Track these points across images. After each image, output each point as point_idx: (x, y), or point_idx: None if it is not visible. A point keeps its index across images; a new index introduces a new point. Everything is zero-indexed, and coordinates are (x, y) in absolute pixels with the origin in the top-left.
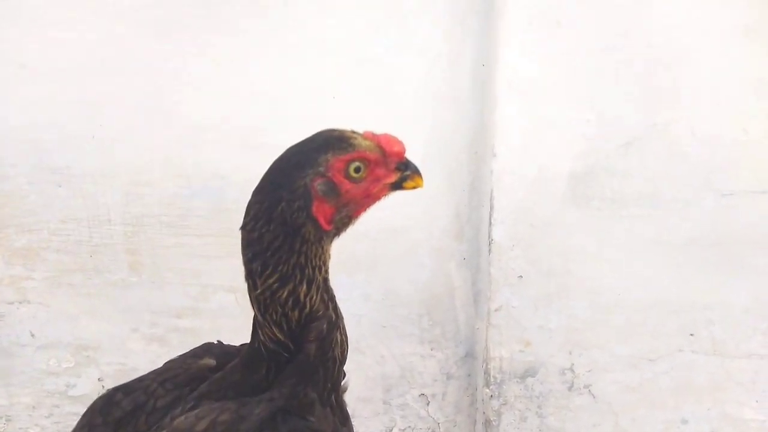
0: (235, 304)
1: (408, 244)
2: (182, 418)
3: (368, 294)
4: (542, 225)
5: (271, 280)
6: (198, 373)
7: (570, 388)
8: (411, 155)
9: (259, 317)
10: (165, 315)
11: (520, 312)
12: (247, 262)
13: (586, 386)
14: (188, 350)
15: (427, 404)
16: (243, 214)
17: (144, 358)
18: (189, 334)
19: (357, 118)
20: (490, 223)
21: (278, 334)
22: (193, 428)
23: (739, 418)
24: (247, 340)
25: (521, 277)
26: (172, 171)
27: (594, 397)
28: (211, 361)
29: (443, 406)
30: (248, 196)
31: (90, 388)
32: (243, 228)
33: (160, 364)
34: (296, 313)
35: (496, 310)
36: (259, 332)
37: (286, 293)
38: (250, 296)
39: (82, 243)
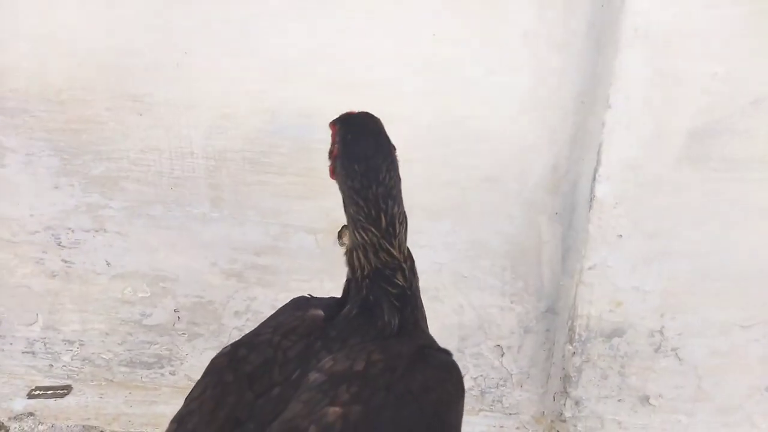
0: (315, 245)
1: (499, 195)
2: (332, 362)
3: (452, 243)
4: (651, 184)
5: (404, 225)
6: (313, 324)
7: (657, 350)
8: (510, 101)
9: (398, 262)
10: (244, 252)
11: (615, 272)
12: (389, 210)
13: (673, 349)
14: (281, 307)
15: (502, 355)
16: (326, 154)
17: (221, 293)
18: (267, 272)
19: (457, 60)
20: (594, 179)
21: (401, 279)
22: (352, 368)
23: None
24: (328, 281)
25: (621, 236)
26: (257, 106)
27: (680, 360)
28: (319, 312)
29: (518, 358)
30: None
31: (165, 319)
32: (381, 182)
33: (237, 298)
34: (408, 254)
35: (589, 269)
36: (377, 283)
37: (405, 234)
38: (379, 244)
39: (163, 174)
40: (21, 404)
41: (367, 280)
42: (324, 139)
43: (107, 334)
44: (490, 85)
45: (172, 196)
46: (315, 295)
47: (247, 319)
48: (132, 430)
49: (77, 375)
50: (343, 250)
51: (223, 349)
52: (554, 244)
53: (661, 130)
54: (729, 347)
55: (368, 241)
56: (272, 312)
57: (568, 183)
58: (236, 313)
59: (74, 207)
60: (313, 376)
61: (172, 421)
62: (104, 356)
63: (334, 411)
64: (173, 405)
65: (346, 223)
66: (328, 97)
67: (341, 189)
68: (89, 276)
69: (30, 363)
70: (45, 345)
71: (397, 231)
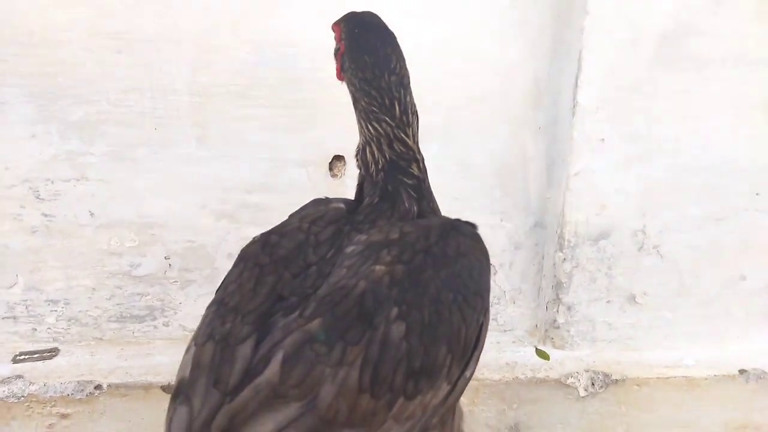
0: (307, 179)
1: (484, 114)
2: (367, 236)
3: (441, 166)
4: (629, 87)
5: (416, 116)
6: (338, 214)
7: (640, 249)
8: (491, 19)
9: (412, 153)
10: (234, 190)
11: (599, 176)
12: (402, 99)
13: (655, 247)
14: (302, 206)
15: (494, 274)
16: (315, 83)
17: (213, 236)
18: (259, 210)
19: None
20: (576, 85)
21: (416, 170)
22: (388, 237)
23: None
24: None
25: (603, 140)
26: (242, 37)
27: (662, 257)
28: (341, 205)
29: (510, 275)
30: (321, 65)
31: (155, 268)
32: (393, 71)
33: (230, 240)
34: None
35: (575, 175)
36: (393, 175)
37: (417, 126)
38: (393, 134)
39: (145, 115)
40: (7, 369)
41: (383, 174)
42: (312, 68)
43: (94, 289)
44: (471, 3)
45: (155, 138)
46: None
47: None
48: (130, 380)
49: (63, 337)
50: (335, 181)
51: (253, 238)
52: (539, 158)
53: (635, 34)
54: (705, 241)
55: (382, 133)
56: None
57: (550, 95)
58: (229, 255)
59: (52, 156)
60: (351, 248)
61: (210, 305)
62: (92, 314)
63: (379, 269)
64: (170, 356)
65: (337, 154)
66: (314, 27)
67: (351, 85)
68: (72, 229)
69: (11, 329)
70: (27, 308)
71: (410, 120)
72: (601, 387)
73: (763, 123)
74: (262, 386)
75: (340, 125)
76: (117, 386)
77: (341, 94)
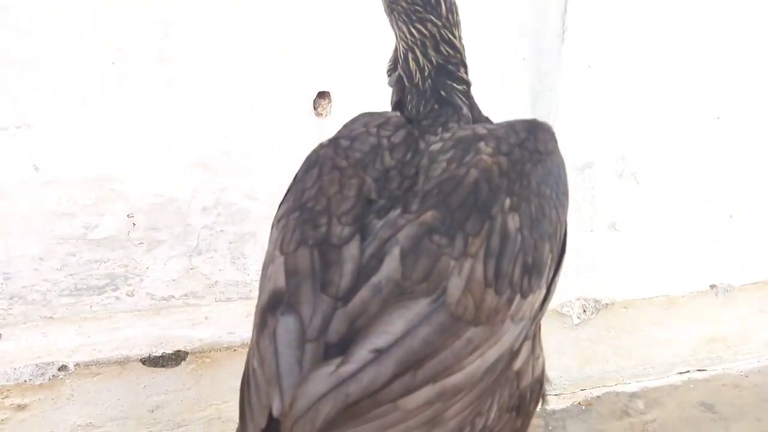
0: (287, 120)
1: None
2: (451, 133)
3: None
4: (617, 13)
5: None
6: (399, 121)
7: (620, 177)
8: None
9: (460, 55)
10: (208, 136)
11: (587, 104)
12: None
13: (632, 174)
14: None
15: None
16: None
17: (185, 188)
18: (237, 157)
19: None
20: (566, 11)
21: (465, 74)
22: (476, 132)
23: None
24: None
25: (590, 67)
26: None
27: (638, 184)
28: (397, 113)
29: None
30: None
31: (116, 228)
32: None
33: (204, 192)
34: None
35: (563, 104)
36: (441, 80)
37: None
38: (440, 35)
39: (101, 47)
40: None
41: (430, 81)
42: None
43: (41, 259)
44: None
45: (113, 74)
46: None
47: (218, 215)
48: (101, 356)
49: (4, 319)
50: (320, 121)
51: (320, 143)
52: (524, 88)
53: None
54: (677, 165)
55: (427, 35)
56: (248, 203)
57: (536, 23)
58: (204, 209)
59: None
60: (437, 145)
61: (285, 215)
62: (39, 288)
63: (487, 158)
64: (141, 328)
65: (321, 90)
66: None
67: None
68: (12, 188)
69: None
70: None
71: (456, 19)
72: (592, 313)
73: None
74: (382, 284)
75: (324, 55)
76: (87, 365)
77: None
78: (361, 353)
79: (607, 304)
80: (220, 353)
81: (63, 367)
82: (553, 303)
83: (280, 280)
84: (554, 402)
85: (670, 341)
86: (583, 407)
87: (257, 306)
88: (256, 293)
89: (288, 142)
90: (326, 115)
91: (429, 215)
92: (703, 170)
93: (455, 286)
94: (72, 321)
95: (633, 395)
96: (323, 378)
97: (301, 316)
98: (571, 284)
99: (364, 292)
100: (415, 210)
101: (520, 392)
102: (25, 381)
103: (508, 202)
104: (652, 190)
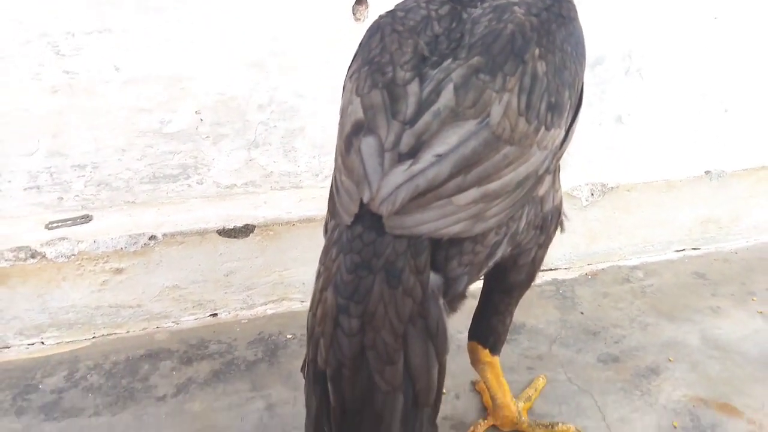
0: (329, 25)
1: None
2: (487, 3)
3: None
4: None
5: None
6: None
7: (626, 73)
8: None
9: None
10: (261, 38)
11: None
12: None
13: (638, 70)
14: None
15: None
16: None
17: (244, 87)
18: (286, 57)
19: None
20: None
21: None
22: (510, 1)
23: None
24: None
25: None
26: None
27: (642, 79)
28: None
29: None
30: None
31: (187, 123)
32: None
33: (260, 90)
34: None
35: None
36: None
37: None
38: None
39: None
40: (47, 234)
41: None
42: None
43: (124, 150)
44: None
45: None
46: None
47: (272, 111)
48: (185, 228)
49: (93, 203)
50: (358, 25)
51: (379, 15)
52: None
53: None
54: (678, 61)
55: None
56: (297, 101)
57: None
58: (260, 106)
59: (72, 5)
60: (479, 12)
61: (356, 71)
62: (122, 176)
63: (520, 16)
64: (210, 210)
65: None
66: None
67: None
68: (97, 86)
69: (35, 200)
70: (51, 175)
71: None
72: (599, 196)
73: None
74: (441, 110)
75: None
76: (172, 235)
77: None
78: (427, 157)
79: (612, 188)
80: (281, 227)
81: (152, 237)
82: (565, 186)
83: (360, 114)
84: (564, 273)
85: (667, 222)
86: (590, 277)
87: (340, 136)
88: (305, 183)
89: (330, 45)
90: (363, 20)
91: (475, 60)
92: (701, 68)
93: (496, 112)
94: (152, 205)
95: (634, 268)
96: (399, 173)
97: (379, 136)
98: (581, 170)
99: (426, 116)
100: (464, 57)
101: (543, 214)
102: (121, 248)
103: (537, 51)
104: (655, 86)
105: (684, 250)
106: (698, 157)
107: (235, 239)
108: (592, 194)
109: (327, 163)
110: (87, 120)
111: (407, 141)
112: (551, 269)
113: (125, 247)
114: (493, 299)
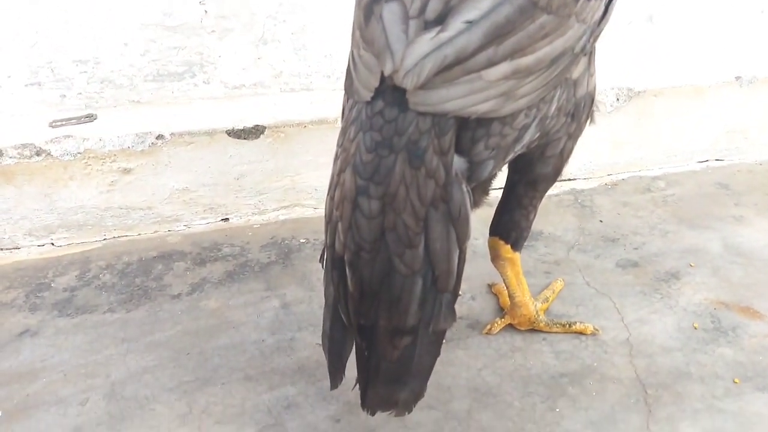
0: None
1: None
2: None
3: None
4: None
5: None
6: None
7: None
8: None
9: None
10: None
11: None
12: None
13: None
14: None
15: None
16: None
17: None
18: None
19: None
20: None
21: None
22: None
23: None
24: None
25: None
26: None
27: None
28: None
29: None
30: None
31: (190, 16)
32: None
33: None
34: None
35: None
36: None
37: None
38: None
39: None
40: (50, 132)
41: None
42: None
43: (125, 44)
44: None
45: None
46: None
47: (280, 4)
48: (194, 127)
49: (97, 102)
50: None
51: None
52: None
53: None
54: None
55: None
56: None
57: None
58: None
59: None
60: None
61: None
62: (126, 73)
63: None
64: (218, 112)
65: None
66: None
67: None
68: None
69: (36, 97)
70: (53, 71)
71: None
72: (625, 101)
73: None
74: None
75: None
76: (181, 134)
77: None
78: (456, 24)
79: (639, 92)
80: (292, 129)
81: (159, 136)
82: None
83: None
84: (583, 183)
85: (693, 131)
86: (609, 187)
87: (358, 5)
88: (316, 84)
89: None
90: None
91: None
92: None
93: None
94: (157, 105)
95: (655, 178)
96: (426, 42)
97: (403, 1)
98: (608, 73)
99: None
100: None
101: (576, 100)
102: (128, 147)
103: None
104: None
105: (707, 161)
106: (729, 61)
107: (245, 140)
108: (618, 99)
109: (340, 63)
110: (85, 9)
111: (434, 6)
112: (570, 179)
113: (132, 146)
114: (518, 192)
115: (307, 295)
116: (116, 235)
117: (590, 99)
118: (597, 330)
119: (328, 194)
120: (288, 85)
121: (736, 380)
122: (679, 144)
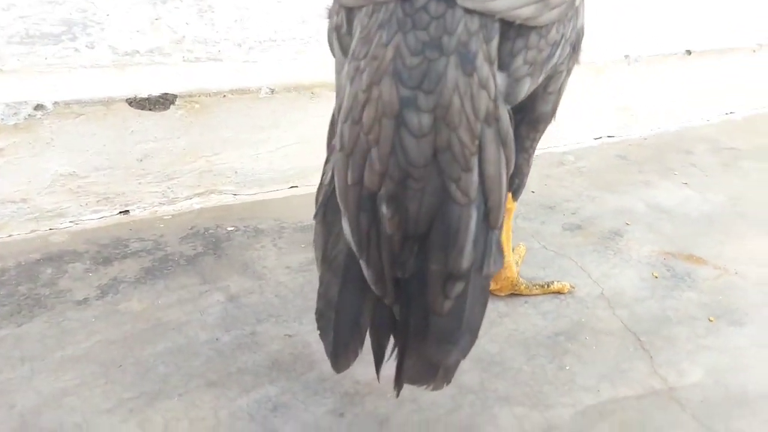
0: None
1: None
2: None
3: None
4: None
5: None
6: None
7: None
8: None
9: None
10: None
11: None
12: None
13: None
14: None
15: None
16: None
17: None
18: None
19: None
20: None
21: None
22: None
23: None
24: None
25: None
26: None
27: None
28: None
29: None
30: None
31: None
32: None
33: None
34: None
35: None
36: None
37: None
38: None
39: None
40: None
41: None
42: None
43: None
44: None
45: None
46: None
47: None
48: (83, 96)
49: None
50: None
51: None
52: None
53: None
54: None
55: None
56: None
57: None
58: None
59: None
60: None
61: None
62: None
63: None
64: (110, 80)
65: None
66: None
67: None
68: None
69: None
70: None
71: None
72: None
73: None
74: None
75: None
76: (67, 103)
77: None
78: None
79: None
80: (209, 98)
81: (39, 107)
82: None
83: None
84: None
85: (590, 111)
86: None
87: None
88: (226, 54)
89: None
90: None
91: None
92: None
93: None
94: (25, 74)
95: (565, 153)
96: None
97: None
98: None
99: None
100: None
101: (577, 30)
102: None
103: None
104: None
105: (601, 138)
106: (620, 40)
107: (151, 112)
108: None
109: (252, 30)
110: None
111: None
112: None
113: (2, 119)
114: (520, 133)
115: (257, 285)
116: None
117: (582, 34)
118: (573, 287)
119: (346, 120)
120: (192, 53)
121: (711, 319)
122: (578, 124)
